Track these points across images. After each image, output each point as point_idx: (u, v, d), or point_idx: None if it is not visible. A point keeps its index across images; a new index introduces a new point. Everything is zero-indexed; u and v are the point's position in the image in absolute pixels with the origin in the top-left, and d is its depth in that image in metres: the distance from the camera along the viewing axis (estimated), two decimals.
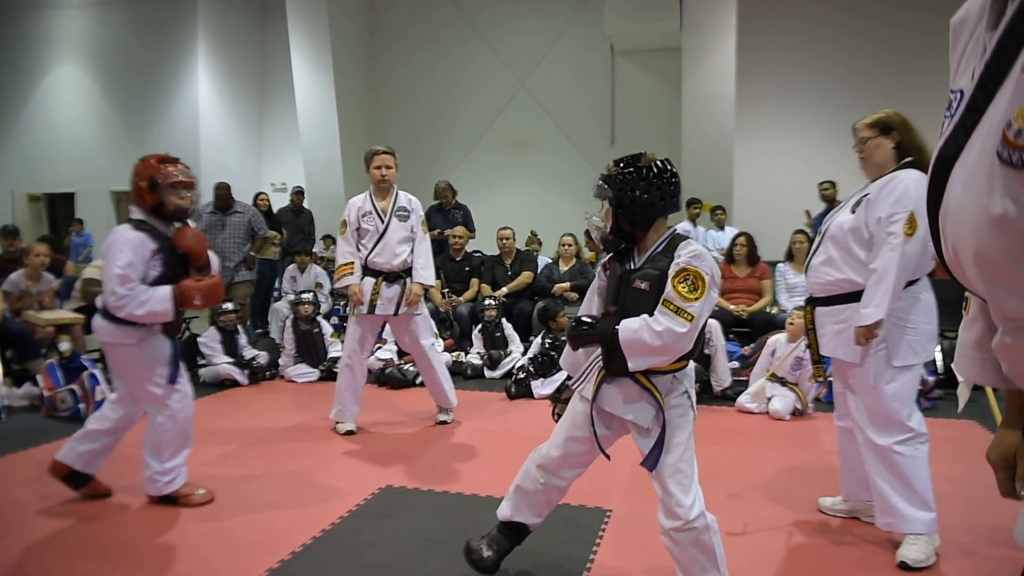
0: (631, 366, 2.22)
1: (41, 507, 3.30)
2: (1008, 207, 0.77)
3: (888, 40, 9.52)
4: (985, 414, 4.19)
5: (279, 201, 9.78)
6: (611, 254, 2.39)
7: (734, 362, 5.84)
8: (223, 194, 6.97)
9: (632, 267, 2.31)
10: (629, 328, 2.21)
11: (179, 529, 3.09)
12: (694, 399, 2.33)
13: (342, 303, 8.66)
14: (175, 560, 2.79)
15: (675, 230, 2.35)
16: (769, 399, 4.97)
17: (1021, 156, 0.74)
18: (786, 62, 10.06)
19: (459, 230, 7.35)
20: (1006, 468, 1.00)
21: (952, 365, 1.41)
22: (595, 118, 10.99)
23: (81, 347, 5.73)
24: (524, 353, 6.12)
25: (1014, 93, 0.77)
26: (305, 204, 9.55)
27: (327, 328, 6.36)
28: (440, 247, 7.21)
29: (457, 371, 6.08)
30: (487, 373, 6.19)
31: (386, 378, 5.88)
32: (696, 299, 2.16)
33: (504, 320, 6.51)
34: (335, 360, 6.16)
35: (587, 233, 8.00)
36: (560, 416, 2.53)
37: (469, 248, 7.48)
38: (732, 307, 6.37)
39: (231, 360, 5.96)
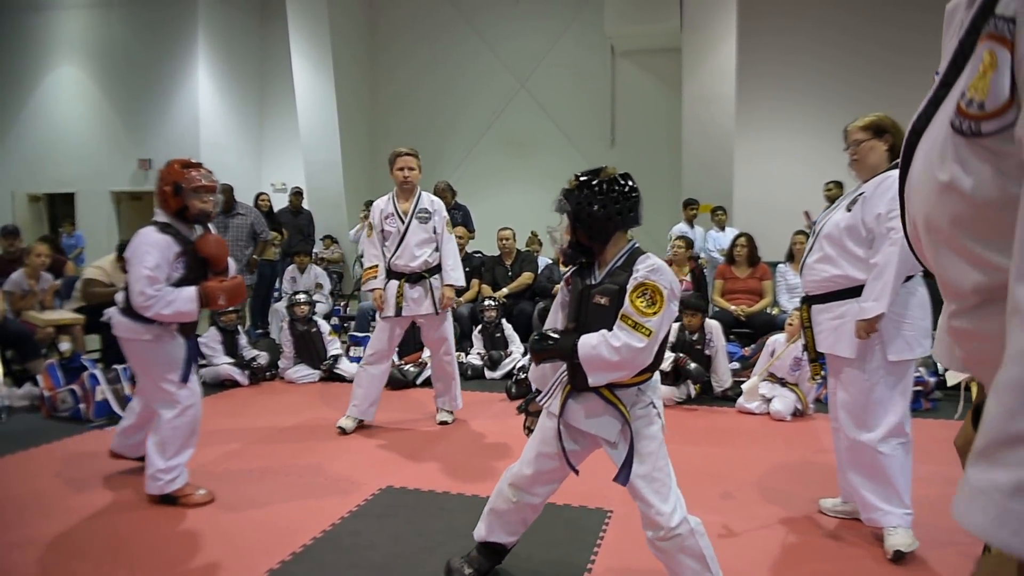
0: (591, 381, 2.24)
1: (40, 506, 3.30)
2: (955, 172, 0.78)
3: (888, 41, 9.52)
4: None
5: (279, 202, 9.78)
6: (573, 269, 2.42)
7: (735, 363, 5.84)
8: (226, 196, 6.97)
9: (592, 282, 2.33)
10: (588, 344, 2.23)
11: (179, 529, 3.09)
12: (660, 408, 2.34)
13: (342, 303, 8.68)
14: (175, 560, 2.79)
15: (635, 244, 2.36)
16: (769, 400, 4.97)
17: (971, 125, 0.76)
18: (786, 63, 10.06)
19: (459, 231, 7.35)
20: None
21: (932, 351, 1.41)
22: (595, 119, 10.99)
23: (81, 347, 5.73)
24: (524, 354, 6.13)
25: (972, 64, 0.78)
26: (305, 205, 9.55)
27: (324, 327, 6.35)
28: None
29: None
30: (487, 374, 6.20)
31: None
32: (654, 313, 2.17)
33: (504, 321, 6.51)
34: (336, 358, 6.17)
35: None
36: (531, 429, 2.54)
37: (469, 249, 7.48)
38: (733, 308, 6.37)
39: (231, 360, 5.96)
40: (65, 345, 5.62)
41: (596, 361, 2.21)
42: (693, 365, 5.18)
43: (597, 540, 2.93)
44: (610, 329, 2.21)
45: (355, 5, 11.28)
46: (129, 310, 3.20)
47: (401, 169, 4.54)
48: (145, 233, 3.20)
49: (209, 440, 4.24)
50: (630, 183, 2.36)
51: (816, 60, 9.91)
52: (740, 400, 5.12)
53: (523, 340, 6.49)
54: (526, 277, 7.04)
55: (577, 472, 2.41)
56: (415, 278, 4.54)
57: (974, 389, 3.48)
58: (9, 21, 12.35)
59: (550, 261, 7.76)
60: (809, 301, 2.99)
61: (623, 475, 2.28)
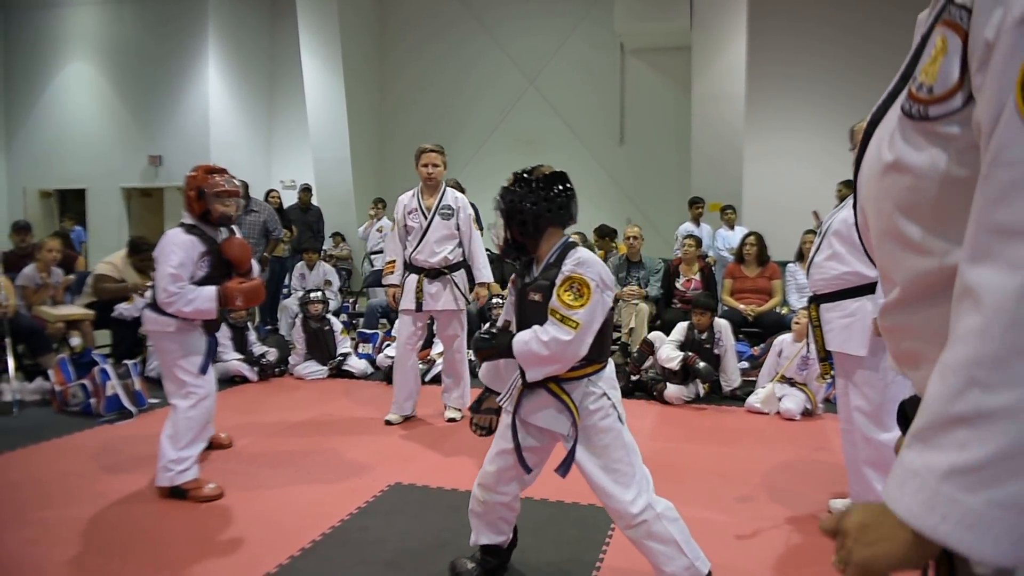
0: (528, 376, 2.28)
1: (49, 501, 3.32)
2: (901, 154, 0.79)
3: (897, 43, 9.41)
4: None
5: (289, 199, 9.81)
6: (518, 269, 2.47)
7: (744, 362, 5.83)
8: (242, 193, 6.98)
9: (529, 280, 2.38)
10: (521, 340, 2.27)
11: (188, 524, 3.10)
12: (616, 399, 2.35)
13: (351, 300, 8.70)
14: (183, 555, 2.80)
15: (567, 239, 2.39)
16: (779, 399, 4.95)
17: (920, 108, 0.77)
18: (796, 63, 10.01)
19: None
20: None
21: None
22: (604, 117, 10.97)
23: (91, 343, 5.77)
24: None
25: (927, 51, 0.80)
26: (314, 201, 9.57)
27: (337, 325, 6.37)
28: None
29: None
30: None
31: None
32: (581, 306, 2.20)
33: None
34: (345, 356, 6.19)
35: (596, 231, 7.99)
36: (478, 427, 2.57)
37: None
38: (742, 307, 6.35)
39: (241, 356, 5.98)
40: (75, 340, 5.65)
41: (529, 356, 2.25)
42: (702, 364, 5.16)
43: (606, 539, 2.93)
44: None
45: (365, 2, 11.29)
46: (156, 305, 3.34)
47: (425, 165, 4.57)
48: (172, 234, 3.36)
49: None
50: (561, 183, 2.42)
51: (826, 60, 9.86)
52: (749, 400, 5.10)
53: None
54: None
55: (528, 470, 2.41)
56: (435, 274, 4.57)
57: None
58: (22, 18, 12.43)
59: None
60: (817, 300, 2.98)
61: (563, 467, 2.31)
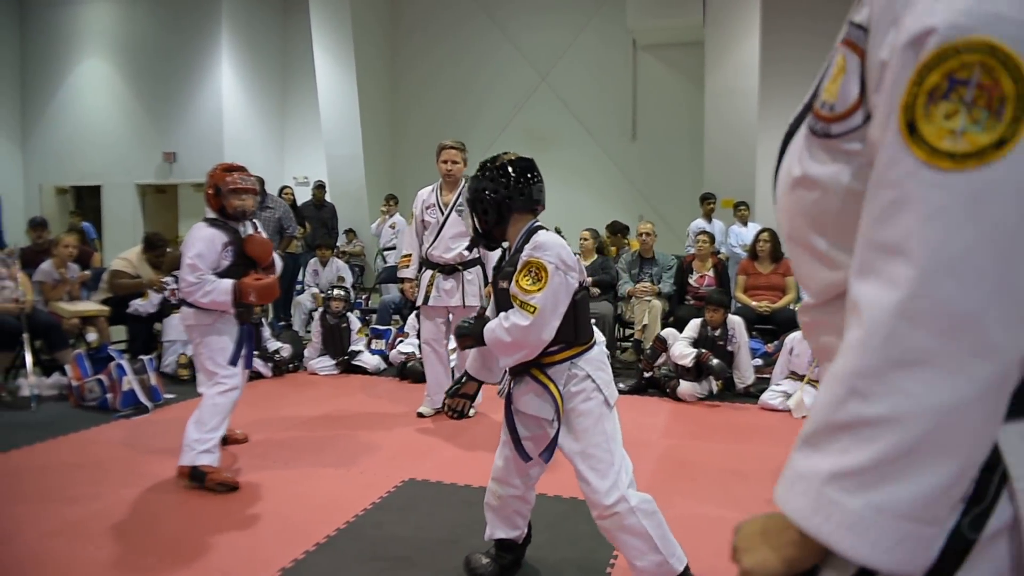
0: (501, 363, 2.30)
1: (69, 495, 3.35)
2: (807, 170, 0.82)
3: None
4: None
5: (302, 195, 9.84)
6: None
7: (757, 359, 5.80)
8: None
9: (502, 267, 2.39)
10: (489, 328, 2.28)
11: (202, 519, 3.13)
12: (602, 382, 2.30)
13: (364, 297, 8.73)
14: (198, 550, 2.82)
15: (532, 224, 2.38)
16: (789, 396, 4.93)
17: (823, 126, 0.80)
18: (810, 59, 9.86)
19: None
20: None
21: None
22: (616, 113, 10.93)
23: (107, 338, 5.81)
24: None
25: (828, 71, 0.84)
26: (327, 198, 9.60)
27: (355, 324, 6.38)
28: None
29: None
30: None
31: (408, 371, 5.89)
32: (538, 290, 2.18)
33: None
34: (354, 354, 6.20)
35: (608, 228, 7.98)
36: (451, 410, 2.57)
37: None
38: (755, 304, 6.32)
39: (255, 352, 6.00)
40: (92, 336, 5.70)
41: (497, 343, 2.26)
42: (715, 361, 5.14)
43: None
44: None
45: (378, 1, 11.31)
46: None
47: (445, 161, 4.59)
48: (196, 228, 3.56)
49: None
50: (522, 167, 2.40)
51: None
52: (763, 397, 5.08)
53: None
54: None
55: (526, 458, 2.39)
56: (449, 270, 4.58)
57: None
58: (38, 16, 12.53)
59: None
60: None
61: (546, 452, 2.31)
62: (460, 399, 2.56)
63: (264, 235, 3.76)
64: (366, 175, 10.79)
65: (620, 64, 10.85)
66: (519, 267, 2.24)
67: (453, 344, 5.42)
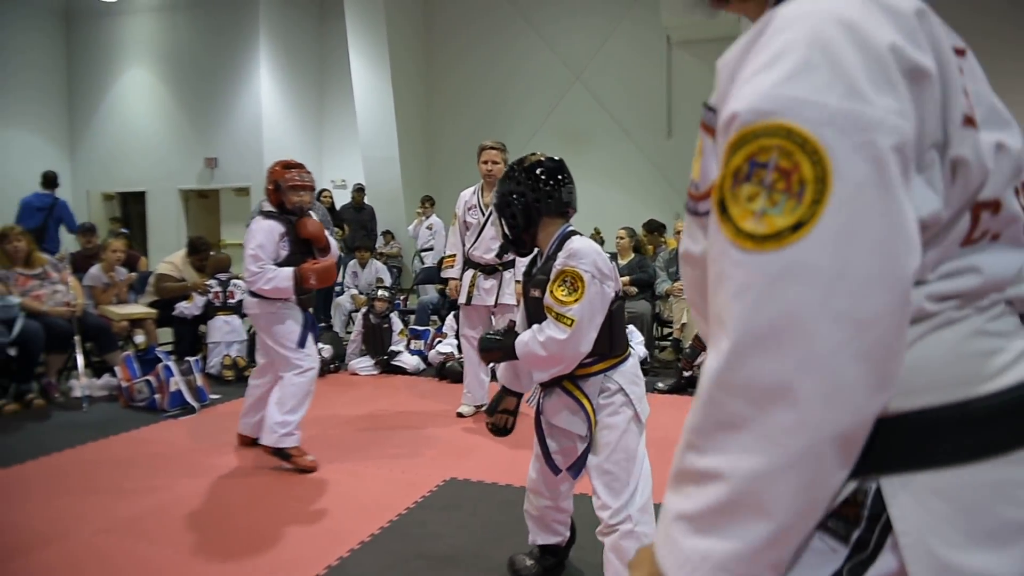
0: (535, 377, 2.20)
1: (121, 491, 3.44)
2: (686, 244, 0.89)
3: None
4: None
5: (340, 198, 9.96)
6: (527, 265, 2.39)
7: None
8: None
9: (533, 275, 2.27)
10: (521, 341, 2.17)
11: (251, 517, 3.18)
12: (635, 396, 2.20)
13: (402, 298, 8.80)
14: (241, 552, 2.88)
15: (565, 229, 2.26)
16: None
17: (692, 204, 0.86)
18: None
19: None
20: None
21: None
22: (651, 110, 10.85)
23: (154, 340, 5.95)
24: None
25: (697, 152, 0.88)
26: (366, 200, 9.72)
27: (397, 325, 6.44)
28: None
29: None
30: None
31: (447, 371, 5.93)
32: (575, 301, 2.07)
33: None
34: (394, 354, 6.25)
35: (644, 226, 7.92)
36: (494, 427, 2.47)
37: None
38: None
39: None
40: (140, 338, 5.85)
41: (530, 358, 2.16)
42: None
43: None
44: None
45: (412, 4, 11.39)
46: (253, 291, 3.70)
47: (485, 162, 4.62)
48: (255, 221, 3.75)
49: None
50: (551, 167, 2.28)
51: None
52: None
53: None
54: None
55: (557, 471, 2.32)
56: (489, 270, 4.62)
57: None
58: (84, 27, 12.87)
59: (609, 255, 7.69)
60: None
61: (574, 468, 2.22)
62: (502, 415, 2.46)
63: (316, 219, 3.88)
64: (402, 177, 10.87)
65: (654, 61, 10.76)
66: (553, 277, 2.14)
67: None
